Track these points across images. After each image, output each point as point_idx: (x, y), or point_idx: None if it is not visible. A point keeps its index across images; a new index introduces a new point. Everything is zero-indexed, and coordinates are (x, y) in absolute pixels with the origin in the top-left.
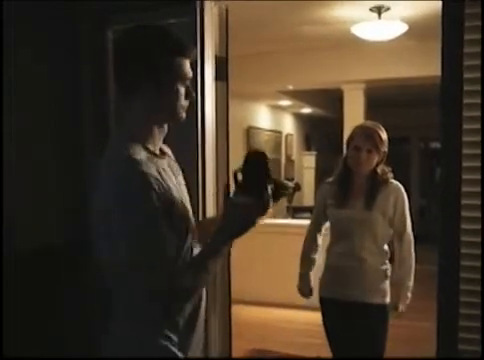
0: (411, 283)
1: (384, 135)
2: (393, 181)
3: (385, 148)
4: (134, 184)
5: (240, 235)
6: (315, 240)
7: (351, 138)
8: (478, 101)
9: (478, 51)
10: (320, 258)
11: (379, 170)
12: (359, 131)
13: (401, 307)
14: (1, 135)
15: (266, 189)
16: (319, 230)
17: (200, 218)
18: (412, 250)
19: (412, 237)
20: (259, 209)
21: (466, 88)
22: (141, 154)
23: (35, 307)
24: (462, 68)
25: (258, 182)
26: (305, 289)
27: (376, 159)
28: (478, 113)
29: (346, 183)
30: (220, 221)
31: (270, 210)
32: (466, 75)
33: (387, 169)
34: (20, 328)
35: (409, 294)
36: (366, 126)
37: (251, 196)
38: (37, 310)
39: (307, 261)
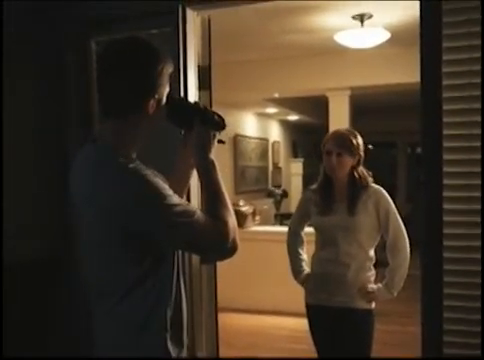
0: (403, 272)
1: (356, 139)
2: (373, 185)
3: (360, 152)
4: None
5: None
6: (298, 234)
7: (324, 144)
8: (458, 107)
9: (457, 58)
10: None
11: (357, 174)
12: (330, 137)
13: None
14: None
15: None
16: (302, 226)
17: None
18: (405, 244)
19: (403, 233)
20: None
21: (445, 95)
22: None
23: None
24: (441, 75)
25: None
26: (302, 279)
27: (350, 163)
28: (458, 119)
29: (327, 190)
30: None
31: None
32: (445, 82)
33: (367, 173)
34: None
35: (398, 281)
36: (337, 131)
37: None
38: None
39: (294, 253)
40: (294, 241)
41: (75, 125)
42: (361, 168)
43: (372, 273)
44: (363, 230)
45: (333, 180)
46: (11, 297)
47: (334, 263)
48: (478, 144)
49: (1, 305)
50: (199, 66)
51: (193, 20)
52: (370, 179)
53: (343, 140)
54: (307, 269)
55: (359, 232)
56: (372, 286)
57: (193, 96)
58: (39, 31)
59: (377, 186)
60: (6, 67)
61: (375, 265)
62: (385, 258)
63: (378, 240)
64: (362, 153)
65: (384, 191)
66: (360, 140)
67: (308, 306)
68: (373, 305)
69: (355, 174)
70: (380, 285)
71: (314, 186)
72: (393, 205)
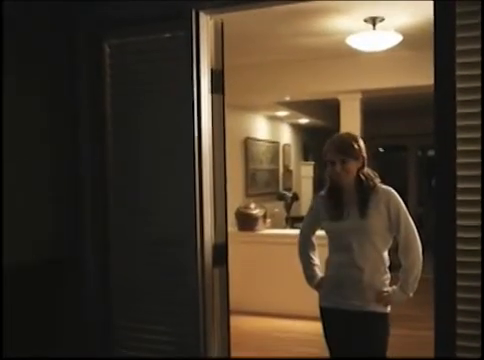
0: (417, 273)
1: (357, 143)
2: (382, 185)
3: (363, 154)
4: None
5: None
6: (310, 239)
7: (324, 154)
8: (472, 111)
9: (471, 61)
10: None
11: (363, 176)
12: (329, 145)
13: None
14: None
15: None
16: (313, 232)
17: (197, 227)
18: (417, 244)
19: (414, 233)
20: None
21: (459, 98)
22: None
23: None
24: (455, 78)
25: None
26: (316, 284)
27: (355, 167)
28: (472, 122)
29: (336, 195)
30: None
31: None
32: (459, 85)
33: (373, 174)
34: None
35: (412, 282)
36: (336, 139)
37: None
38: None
39: (307, 259)
40: (306, 247)
41: (86, 126)
42: (366, 169)
43: (387, 276)
44: (376, 232)
45: (341, 185)
46: (12, 298)
47: (349, 267)
48: (478, 148)
49: (1, 305)
50: (212, 69)
51: (206, 24)
52: (377, 179)
53: (345, 147)
54: (320, 274)
55: (372, 234)
56: (387, 289)
57: (206, 99)
58: (52, 32)
59: (386, 186)
60: (17, 68)
61: (389, 268)
62: (398, 261)
63: (391, 242)
64: (365, 155)
65: (394, 191)
66: (361, 142)
67: (322, 309)
68: (389, 309)
69: (361, 176)
70: (395, 287)
71: (323, 192)
72: (403, 204)
